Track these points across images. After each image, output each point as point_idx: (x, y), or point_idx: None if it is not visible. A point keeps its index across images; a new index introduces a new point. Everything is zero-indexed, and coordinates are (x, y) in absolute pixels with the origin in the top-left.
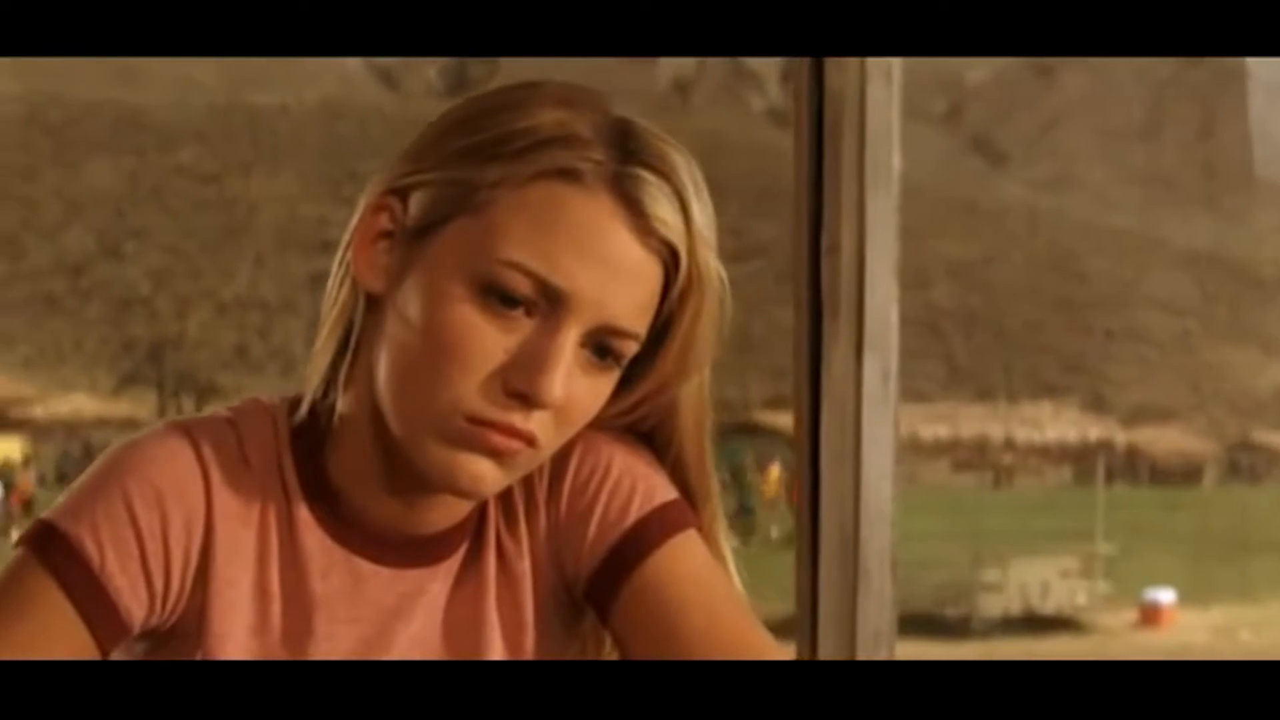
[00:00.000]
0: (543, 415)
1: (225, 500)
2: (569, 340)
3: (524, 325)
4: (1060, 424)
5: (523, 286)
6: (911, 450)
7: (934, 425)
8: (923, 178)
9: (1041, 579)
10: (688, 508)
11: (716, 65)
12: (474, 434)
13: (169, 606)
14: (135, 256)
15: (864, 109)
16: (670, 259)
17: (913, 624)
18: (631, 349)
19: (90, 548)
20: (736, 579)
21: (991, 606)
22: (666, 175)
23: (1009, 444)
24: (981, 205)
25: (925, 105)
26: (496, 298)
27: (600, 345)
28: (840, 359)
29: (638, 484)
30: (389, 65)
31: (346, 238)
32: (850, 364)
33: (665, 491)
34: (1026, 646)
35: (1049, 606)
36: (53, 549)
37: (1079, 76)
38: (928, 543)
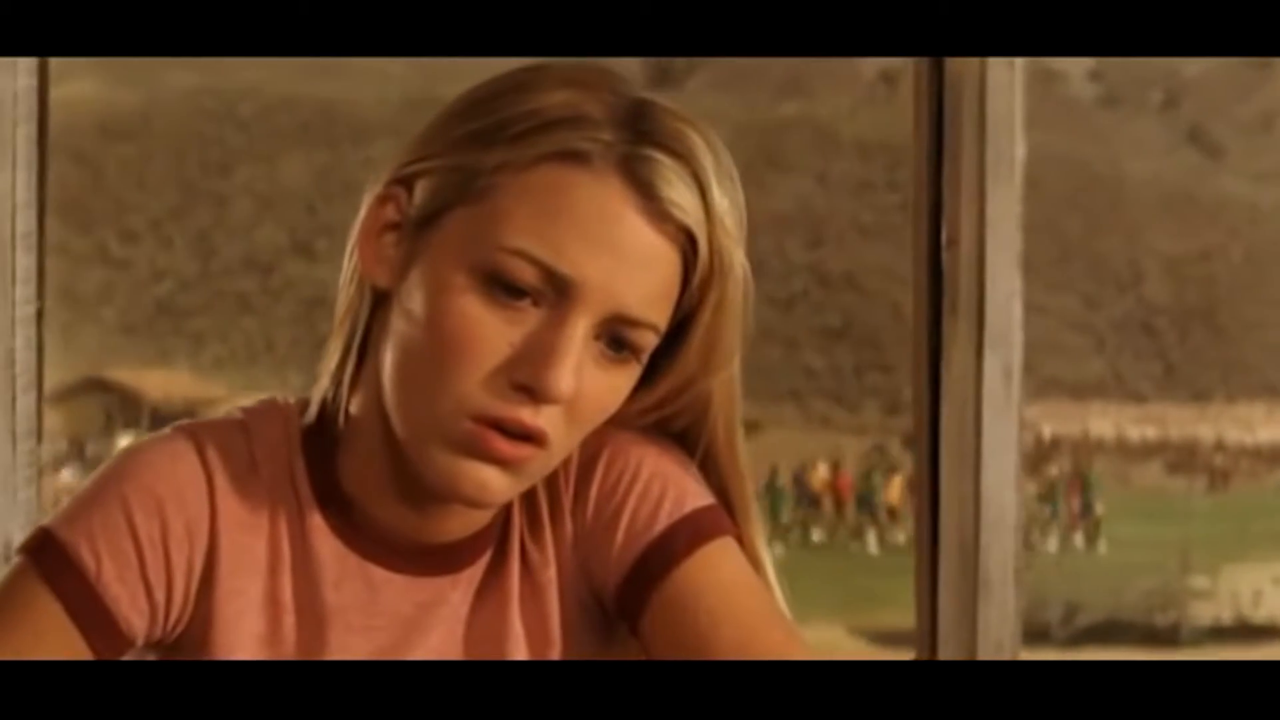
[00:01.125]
0: (553, 411)
1: (231, 506)
2: (578, 331)
3: (531, 317)
4: (1274, 425)
5: (527, 275)
6: (1120, 453)
7: (1144, 426)
8: (1137, 171)
9: (1254, 586)
10: (723, 514)
11: None
12: (480, 439)
13: (173, 618)
14: (327, 254)
15: (984, 93)
16: (689, 246)
17: (1121, 631)
18: (650, 341)
19: (86, 556)
20: (777, 590)
21: (1201, 614)
22: (683, 157)
23: (1219, 446)
24: (1199, 199)
25: (1140, 97)
26: (501, 288)
27: (615, 337)
28: (960, 357)
29: (668, 488)
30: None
31: (355, 230)
32: (970, 362)
33: (698, 496)
34: (1237, 655)
35: (1261, 614)
36: (48, 557)
37: None
38: (1137, 549)
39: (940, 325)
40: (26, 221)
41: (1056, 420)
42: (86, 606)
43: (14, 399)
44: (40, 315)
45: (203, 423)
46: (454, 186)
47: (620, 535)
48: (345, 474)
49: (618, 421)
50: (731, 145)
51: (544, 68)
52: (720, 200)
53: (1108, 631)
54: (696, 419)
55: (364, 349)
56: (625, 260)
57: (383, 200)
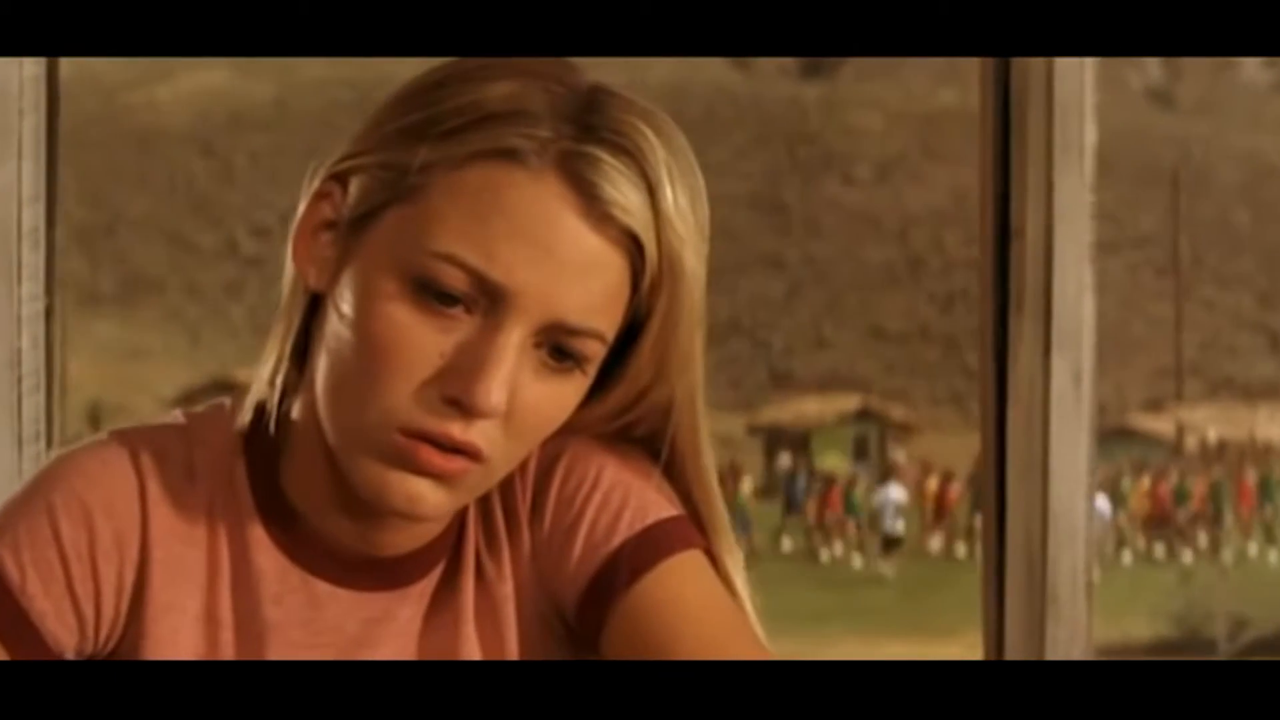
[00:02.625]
0: (487, 425)
1: (165, 516)
2: (511, 341)
3: (463, 325)
4: None
5: (457, 281)
6: None
7: None
8: None
9: None
10: (690, 526)
11: None
12: (409, 450)
13: (104, 633)
14: None
15: (1051, 76)
16: (635, 249)
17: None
18: (595, 350)
19: (10, 567)
20: (748, 606)
21: None
22: (630, 153)
23: None
24: None
25: None
26: (432, 295)
27: (557, 346)
28: (1027, 358)
29: (630, 498)
30: None
31: (293, 227)
32: (1038, 363)
33: (662, 508)
34: None
35: None
36: None
37: None
38: None
39: (1007, 323)
40: (33, 216)
41: (1223, 423)
42: (10, 620)
43: (19, 400)
44: (49, 313)
45: (141, 428)
46: (385, 185)
47: (578, 547)
48: (288, 483)
49: (574, 430)
50: (886, 136)
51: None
52: (671, 200)
53: (1257, 649)
54: (658, 427)
55: (306, 352)
56: (563, 265)
57: (319, 197)
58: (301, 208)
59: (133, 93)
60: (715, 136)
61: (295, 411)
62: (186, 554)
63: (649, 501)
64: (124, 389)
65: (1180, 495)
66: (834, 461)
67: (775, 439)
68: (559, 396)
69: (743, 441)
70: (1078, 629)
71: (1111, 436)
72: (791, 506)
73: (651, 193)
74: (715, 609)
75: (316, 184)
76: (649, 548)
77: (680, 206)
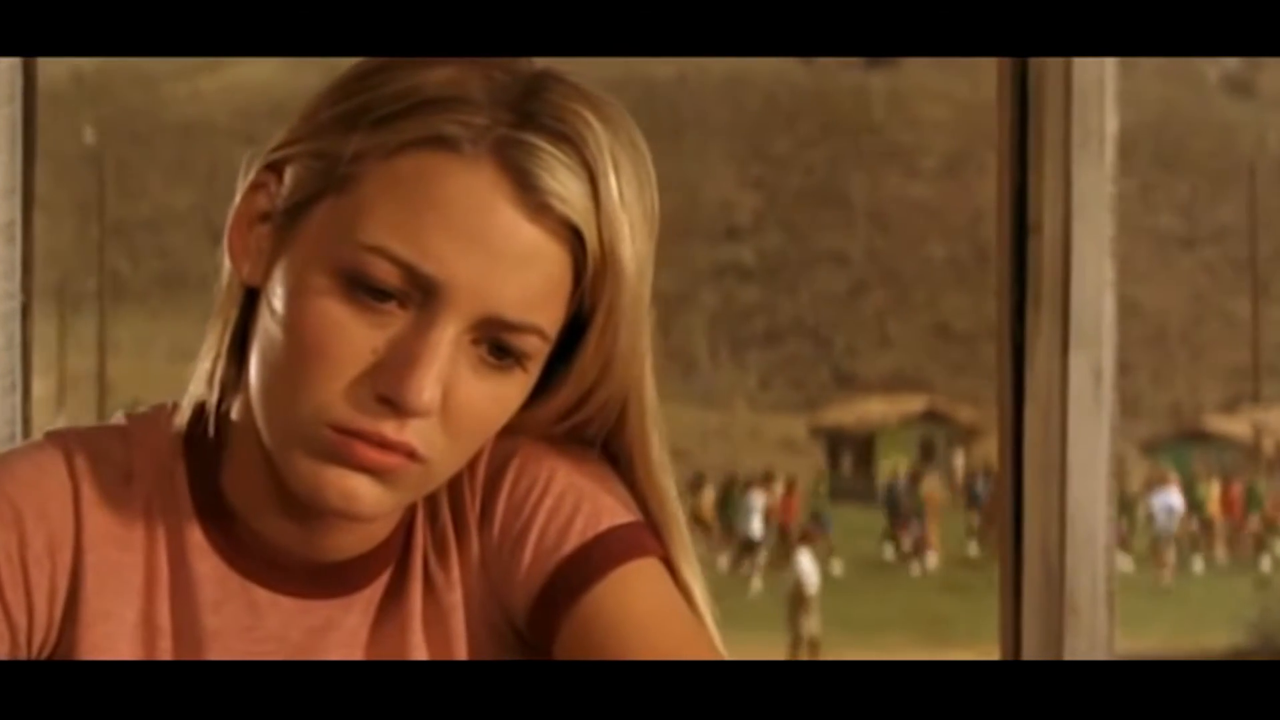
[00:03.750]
0: (423, 424)
1: (100, 521)
2: (445, 336)
3: (397, 320)
4: None
5: (389, 275)
6: None
7: None
8: None
9: None
10: (646, 533)
11: None
12: (342, 445)
13: (36, 640)
14: None
15: (1069, 65)
16: (576, 241)
17: None
18: (534, 346)
19: None
20: (707, 617)
21: None
22: (570, 141)
23: None
24: None
25: None
26: (364, 289)
27: (496, 343)
28: (1044, 356)
29: (582, 504)
30: None
31: (228, 220)
32: (1056, 362)
33: (615, 514)
34: None
35: None
36: None
37: None
38: None
39: (1024, 320)
40: (9, 210)
41: None
42: None
43: None
44: (25, 311)
45: (79, 429)
46: (318, 175)
47: (528, 554)
48: (228, 485)
49: (522, 430)
50: (955, 126)
51: None
52: (614, 190)
53: None
54: (610, 429)
55: (245, 349)
56: (499, 258)
57: (255, 188)
58: (237, 199)
59: (176, 84)
60: (777, 129)
61: (235, 411)
62: (122, 559)
63: (603, 507)
64: (166, 388)
65: (1253, 499)
66: (898, 464)
67: (838, 441)
68: (500, 395)
69: (804, 444)
70: (1097, 638)
71: (1186, 439)
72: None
73: (593, 182)
74: (669, 618)
75: (252, 174)
76: (601, 555)
77: (625, 197)
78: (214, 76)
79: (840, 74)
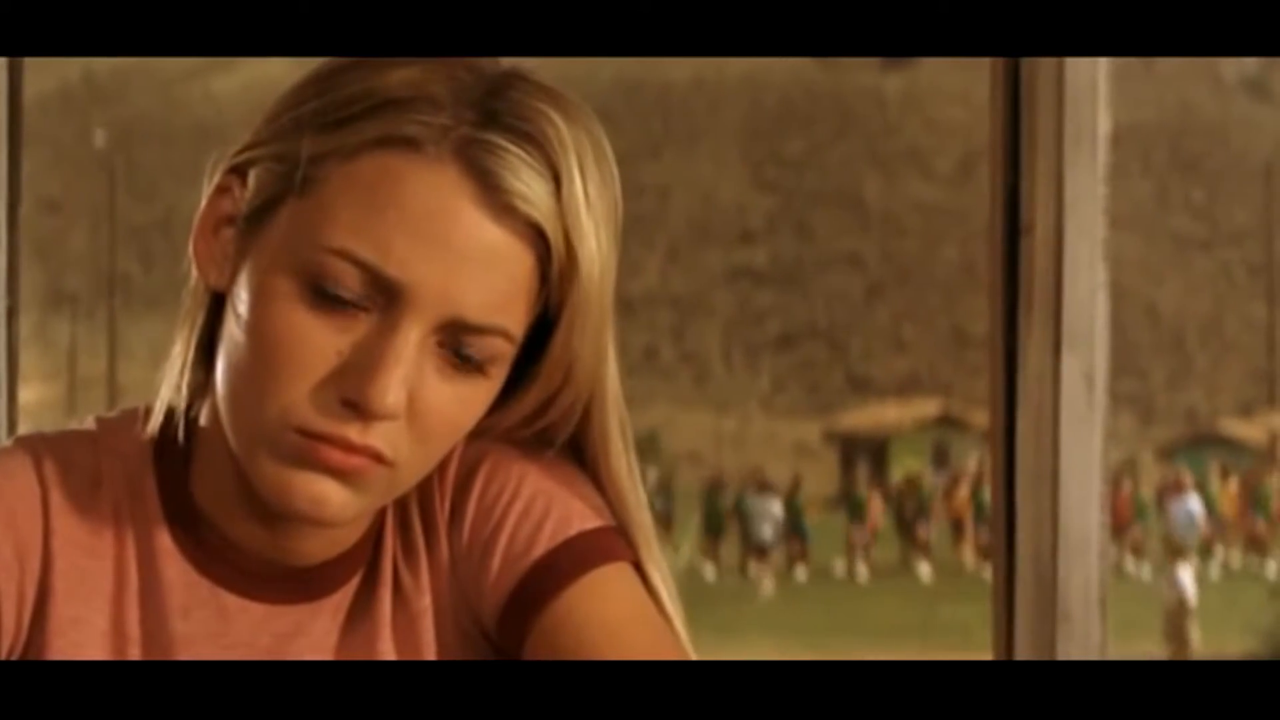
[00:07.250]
0: (388, 427)
1: (69, 527)
2: (409, 339)
3: (361, 323)
4: None
5: (351, 279)
6: None
7: None
8: None
9: None
10: (616, 537)
11: None
12: (308, 449)
13: (5, 647)
14: None
15: (1061, 64)
16: (541, 242)
17: None
18: (500, 348)
19: None
20: (677, 620)
21: None
22: (535, 141)
23: None
24: None
25: None
26: (327, 292)
27: (461, 345)
28: (1036, 359)
29: (552, 508)
30: None
31: (194, 223)
32: (1048, 364)
33: (586, 518)
34: None
35: None
36: None
37: None
38: None
39: (1016, 323)
40: None
41: None
42: None
43: None
44: (12, 314)
45: (47, 435)
46: (280, 178)
47: (497, 559)
48: (198, 490)
49: (489, 434)
50: (971, 128)
51: None
52: (578, 192)
53: None
54: (578, 432)
55: (213, 354)
56: (463, 260)
57: (219, 191)
58: (202, 203)
59: (188, 85)
60: (792, 130)
61: (203, 417)
62: (91, 566)
63: (573, 512)
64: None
65: (1259, 501)
66: (912, 469)
67: (851, 446)
68: (466, 398)
69: (818, 449)
70: (1090, 645)
71: (1202, 442)
72: None
73: (556, 181)
74: (639, 623)
75: (217, 178)
76: (571, 560)
77: (590, 196)
78: (227, 78)
79: (856, 76)
